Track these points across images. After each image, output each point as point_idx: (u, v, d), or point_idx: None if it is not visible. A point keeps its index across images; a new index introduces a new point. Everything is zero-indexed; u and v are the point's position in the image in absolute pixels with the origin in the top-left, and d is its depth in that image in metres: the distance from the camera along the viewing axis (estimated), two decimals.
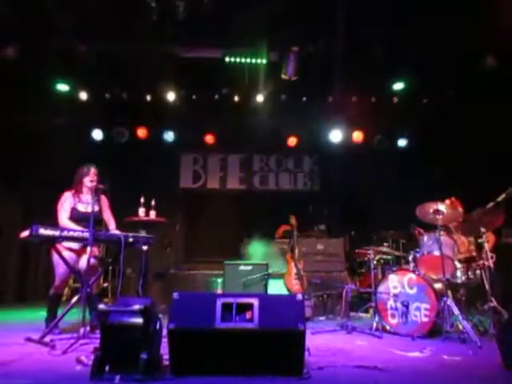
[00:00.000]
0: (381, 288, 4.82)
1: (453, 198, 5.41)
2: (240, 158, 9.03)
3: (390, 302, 4.69)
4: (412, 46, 6.27)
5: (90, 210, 4.27)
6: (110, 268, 6.94)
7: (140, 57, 6.86)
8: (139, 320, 2.75)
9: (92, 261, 4.23)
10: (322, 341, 4.19)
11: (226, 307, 2.92)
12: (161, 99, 7.72)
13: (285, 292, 5.75)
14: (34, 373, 2.93)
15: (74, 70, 6.96)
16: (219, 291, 6.15)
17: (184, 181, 8.90)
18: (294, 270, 5.81)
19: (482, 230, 4.83)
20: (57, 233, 3.89)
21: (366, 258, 5.59)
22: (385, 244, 5.56)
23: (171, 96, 7.64)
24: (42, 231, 3.78)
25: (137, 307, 2.73)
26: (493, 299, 4.56)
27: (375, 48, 6.46)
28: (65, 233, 3.95)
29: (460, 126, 7.28)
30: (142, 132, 8.13)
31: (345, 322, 4.79)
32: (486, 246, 4.76)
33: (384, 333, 4.53)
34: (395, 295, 4.66)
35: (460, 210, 5.18)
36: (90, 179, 4.53)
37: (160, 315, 3.87)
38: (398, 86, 7.32)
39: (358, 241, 7.15)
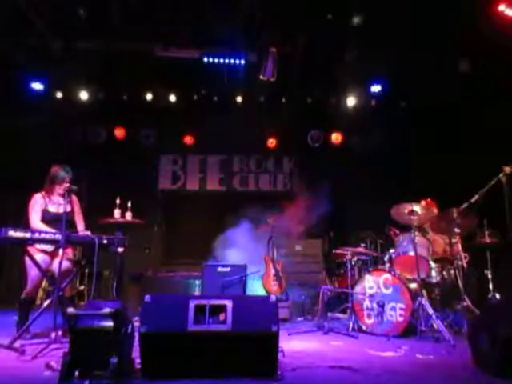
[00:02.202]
0: (357, 288, 4.86)
1: (428, 200, 5.49)
2: (220, 159, 8.99)
3: (366, 303, 4.72)
4: (389, 49, 6.33)
5: (61, 210, 4.20)
6: (87, 270, 6.82)
7: (118, 56, 6.78)
8: (109, 323, 2.70)
9: (66, 263, 4.15)
10: (298, 342, 4.19)
11: (199, 309, 2.88)
12: (139, 99, 7.64)
13: (263, 293, 5.75)
14: (0, 379, 2.85)
15: (49, 69, 6.82)
16: (197, 293, 6.11)
17: (163, 182, 8.81)
18: (273, 271, 5.81)
19: (456, 230, 4.92)
20: (27, 235, 3.79)
21: (344, 259, 5.62)
22: (362, 245, 5.59)
23: (149, 96, 7.56)
24: (12, 233, 3.68)
25: (107, 310, 2.68)
26: (466, 298, 4.65)
27: (353, 50, 6.51)
28: (36, 235, 3.85)
29: (436, 128, 7.39)
30: (119, 132, 8.02)
31: (321, 322, 4.81)
32: (460, 247, 4.85)
33: (360, 333, 4.56)
34: (371, 295, 4.70)
35: (435, 210, 5.25)
36: (62, 187, 4.39)
37: (136, 318, 3.84)
38: (376, 88, 7.40)
39: (337, 241, 7.19)
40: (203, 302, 2.93)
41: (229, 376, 2.80)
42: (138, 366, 2.89)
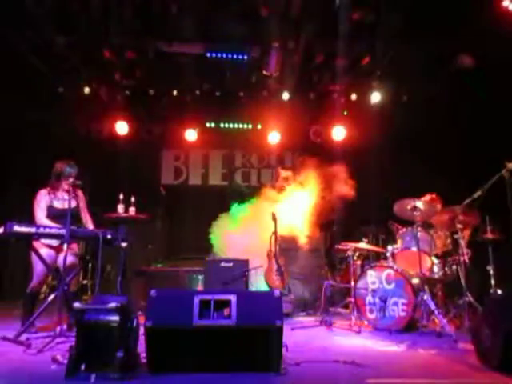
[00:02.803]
0: (359, 283, 4.88)
1: (433, 195, 5.51)
2: (222, 154, 9.00)
3: (369, 298, 4.75)
4: (391, 44, 6.32)
5: (67, 206, 4.21)
6: (90, 265, 6.86)
7: (120, 51, 6.77)
8: (115, 318, 2.73)
9: (71, 258, 4.19)
10: (301, 336, 4.22)
11: (204, 304, 2.91)
12: (141, 95, 7.65)
13: (265, 288, 5.77)
14: (7, 372, 2.89)
15: (51, 64, 6.82)
16: (200, 288, 6.14)
17: (165, 177, 8.83)
18: (275, 266, 5.82)
19: (459, 226, 4.93)
20: (32, 230, 3.82)
21: (346, 254, 5.63)
22: (364, 240, 5.60)
23: (152, 91, 7.57)
24: (17, 228, 3.72)
25: (113, 305, 2.71)
26: (468, 294, 4.67)
27: (356, 46, 6.50)
28: (41, 230, 3.89)
29: (439, 124, 7.38)
30: (122, 128, 8.01)
31: (324, 317, 4.84)
32: (462, 242, 4.87)
33: (362, 328, 4.58)
34: (373, 290, 4.72)
35: (438, 206, 5.27)
36: (68, 182, 4.42)
37: (140, 312, 3.87)
38: (378, 83, 7.39)
39: (340, 236, 7.20)
40: (208, 296, 2.95)
41: (233, 370, 2.83)
42: (144, 360, 2.92)
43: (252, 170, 9.02)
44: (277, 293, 3.06)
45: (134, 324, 2.91)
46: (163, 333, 2.81)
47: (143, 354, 2.93)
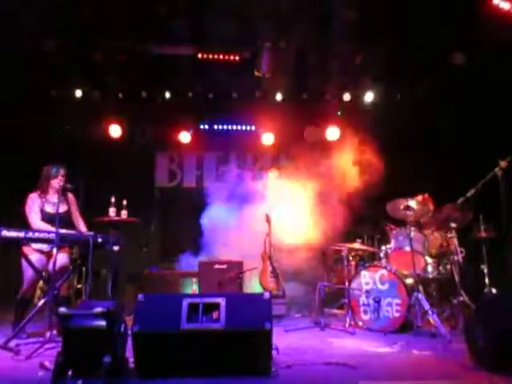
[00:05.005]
0: (353, 284, 4.86)
1: (425, 195, 5.48)
2: (216, 156, 8.95)
3: (363, 298, 4.72)
4: (385, 44, 6.29)
5: (58, 210, 4.18)
6: (85, 269, 6.81)
7: (113, 54, 6.75)
8: (102, 323, 2.69)
9: (63, 262, 4.17)
10: (295, 338, 4.19)
11: (193, 308, 2.88)
12: (134, 97, 7.61)
13: (260, 290, 5.74)
14: None
15: (43, 68, 6.78)
16: (195, 290, 6.11)
17: (160, 180, 8.78)
18: (270, 268, 5.79)
19: (452, 225, 4.91)
20: (21, 234, 3.78)
21: (340, 255, 5.60)
22: (358, 240, 5.57)
23: (144, 94, 7.54)
24: (5, 233, 3.68)
25: (99, 310, 2.67)
26: (463, 293, 4.64)
27: (348, 45, 6.48)
28: (30, 234, 3.84)
29: (432, 124, 7.37)
30: (115, 131, 7.97)
31: (318, 318, 4.81)
32: (456, 241, 4.84)
33: (357, 329, 4.56)
34: (367, 291, 4.69)
35: (430, 206, 5.24)
36: (57, 182, 4.40)
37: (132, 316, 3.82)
38: (372, 83, 7.37)
39: (335, 237, 7.16)
40: (196, 300, 2.93)
41: (223, 374, 2.80)
42: (132, 365, 2.88)
43: (247, 171, 8.97)
44: (267, 295, 3.03)
45: (122, 329, 2.87)
46: (150, 337, 2.78)
47: (131, 359, 2.89)
